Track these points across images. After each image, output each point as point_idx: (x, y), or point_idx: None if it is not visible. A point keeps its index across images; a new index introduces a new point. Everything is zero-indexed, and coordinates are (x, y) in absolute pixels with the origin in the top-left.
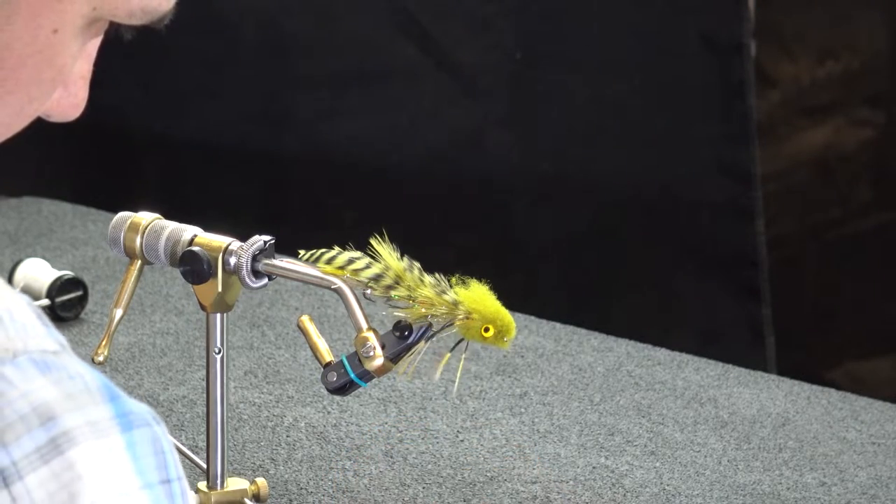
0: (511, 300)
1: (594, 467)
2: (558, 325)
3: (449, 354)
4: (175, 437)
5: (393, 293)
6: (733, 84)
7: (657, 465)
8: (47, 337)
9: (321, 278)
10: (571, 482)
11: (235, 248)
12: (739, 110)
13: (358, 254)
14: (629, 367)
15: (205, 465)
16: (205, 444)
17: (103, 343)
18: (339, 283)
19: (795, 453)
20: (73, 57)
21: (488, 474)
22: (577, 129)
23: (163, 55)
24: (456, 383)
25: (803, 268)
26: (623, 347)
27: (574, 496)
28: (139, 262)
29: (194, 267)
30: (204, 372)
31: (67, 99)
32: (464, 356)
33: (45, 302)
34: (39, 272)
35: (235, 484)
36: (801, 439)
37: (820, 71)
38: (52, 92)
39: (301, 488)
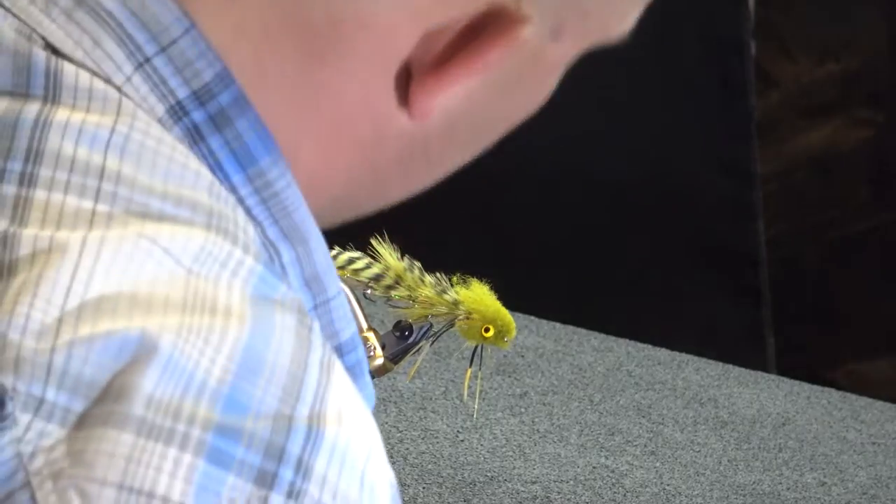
0: (511, 300)
1: (594, 467)
2: (558, 325)
3: (422, 357)
4: None
5: (393, 293)
6: (733, 84)
7: (657, 465)
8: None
9: None
10: (571, 482)
11: None
12: (739, 110)
13: (358, 254)
14: (629, 367)
15: None
16: None
17: None
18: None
19: (795, 453)
20: None
21: (488, 474)
22: (577, 129)
23: None
24: (476, 393)
25: (803, 268)
26: (623, 347)
27: (574, 496)
28: None
29: None
30: None
31: None
32: (480, 375)
33: None
34: None
35: None
36: (801, 439)
37: (820, 71)
38: None
39: None
